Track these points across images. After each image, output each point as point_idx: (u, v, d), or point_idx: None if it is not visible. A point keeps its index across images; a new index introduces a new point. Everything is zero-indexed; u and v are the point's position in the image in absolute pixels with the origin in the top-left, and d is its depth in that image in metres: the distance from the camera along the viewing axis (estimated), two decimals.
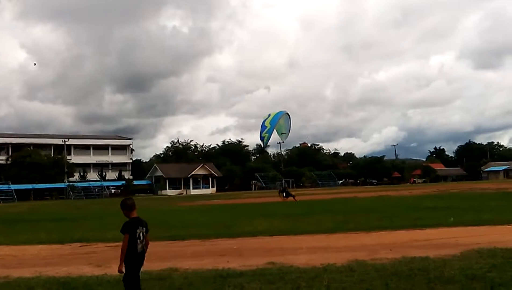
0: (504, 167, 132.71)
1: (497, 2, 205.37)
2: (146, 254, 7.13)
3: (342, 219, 21.34)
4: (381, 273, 9.13)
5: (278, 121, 40.32)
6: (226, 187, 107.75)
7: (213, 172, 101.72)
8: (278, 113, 41.45)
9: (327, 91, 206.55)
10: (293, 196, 41.87)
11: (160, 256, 12.85)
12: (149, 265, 10.78)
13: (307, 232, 16.86)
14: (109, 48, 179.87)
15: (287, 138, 43.46)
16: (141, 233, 7.04)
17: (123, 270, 6.92)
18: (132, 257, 6.94)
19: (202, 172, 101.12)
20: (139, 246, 7.00)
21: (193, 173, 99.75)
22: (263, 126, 40.53)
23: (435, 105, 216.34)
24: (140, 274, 7.19)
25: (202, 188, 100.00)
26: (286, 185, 46.33)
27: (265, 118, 41.27)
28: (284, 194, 41.88)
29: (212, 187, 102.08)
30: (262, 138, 41.11)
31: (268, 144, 45.77)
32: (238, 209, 34.74)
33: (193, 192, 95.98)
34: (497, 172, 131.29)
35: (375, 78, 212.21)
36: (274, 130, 40.45)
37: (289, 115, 42.85)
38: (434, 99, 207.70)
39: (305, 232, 17.07)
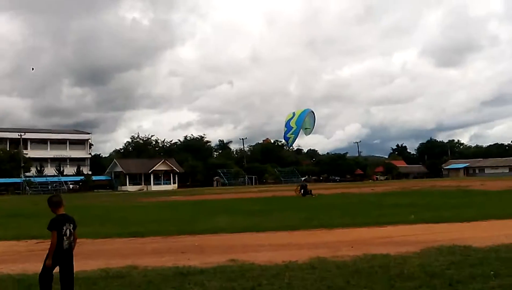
0: (464, 165, 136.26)
1: (459, 0, 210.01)
2: (102, 251, 7.16)
3: (305, 216, 21.58)
4: (342, 270, 9.30)
5: (304, 120, 39.34)
6: (188, 183, 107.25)
7: (174, 168, 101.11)
8: (303, 111, 40.21)
9: (291, 87, 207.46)
10: (311, 193, 41.18)
11: (119, 253, 12.77)
12: (108, 263, 10.76)
13: (270, 229, 16.97)
14: (67, 40, 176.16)
15: (310, 132, 42.03)
16: (68, 230, 7.13)
17: (51, 264, 7.02)
18: (57, 254, 7.02)
19: (163, 167, 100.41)
20: (66, 243, 7.08)
21: (154, 168, 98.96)
22: (288, 126, 39.09)
23: (398, 102, 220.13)
24: (73, 273, 7.30)
25: (163, 184, 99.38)
26: (306, 184, 45.04)
27: (290, 117, 39.55)
28: (302, 191, 41.14)
29: (174, 183, 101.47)
30: (287, 139, 39.94)
31: (293, 145, 44.49)
32: (200, 205, 34.67)
33: (154, 188, 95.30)
34: (458, 169, 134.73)
35: (338, 74, 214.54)
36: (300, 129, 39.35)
37: (313, 112, 41.89)
38: (397, 96, 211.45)
39: (267, 229, 17.16)
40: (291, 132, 38.87)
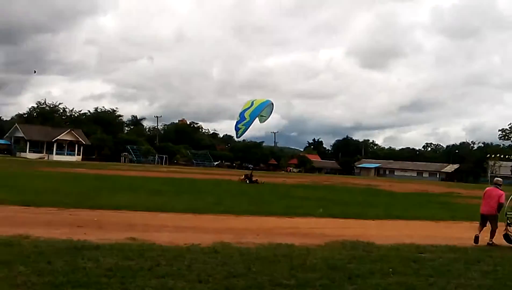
0: (375, 165, 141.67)
1: (389, 6, 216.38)
2: None
3: (213, 200, 21.50)
4: (245, 257, 9.30)
5: (260, 113, 38.34)
6: (94, 157, 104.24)
7: (80, 139, 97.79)
8: (262, 103, 39.01)
9: (214, 70, 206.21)
10: (256, 181, 41.48)
11: (10, 222, 12.23)
12: None
13: (175, 211, 16.79)
14: None
15: (265, 121, 41.01)
16: None
17: None
18: None
19: (68, 138, 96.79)
20: None
21: (58, 137, 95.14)
22: (242, 116, 37.78)
23: (320, 97, 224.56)
24: None
25: (67, 154, 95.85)
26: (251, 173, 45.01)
27: (246, 107, 37.84)
28: (248, 181, 41.07)
29: (78, 154, 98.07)
30: (237, 129, 38.67)
31: (241, 137, 42.75)
32: (104, 180, 33.72)
33: (56, 157, 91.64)
34: (369, 169, 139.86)
35: (263, 63, 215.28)
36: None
37: (273, 104, 40.85)
38: (319, 91, 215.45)
39: (173, 210, 16.99)
40: (243, 122, 37.95)
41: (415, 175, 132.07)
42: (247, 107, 37.75)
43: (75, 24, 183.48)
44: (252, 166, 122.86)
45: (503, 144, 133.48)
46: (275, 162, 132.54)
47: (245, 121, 37.41)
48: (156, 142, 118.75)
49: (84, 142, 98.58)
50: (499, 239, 13.08)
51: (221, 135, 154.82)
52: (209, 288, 6.98)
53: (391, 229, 15.93)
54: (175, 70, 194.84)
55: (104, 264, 8.03)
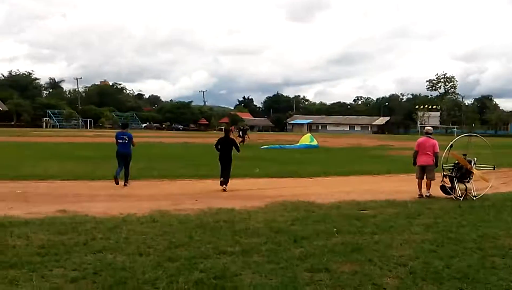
0: (308, 121, 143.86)
1: None
2: None
3: (145, 165, 21.05)
4: (185, 225, 9.17)
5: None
6: (12, 123, 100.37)
7: None
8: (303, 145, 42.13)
9: (133, 27, 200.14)
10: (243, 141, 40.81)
11: None
12: None
13: (106, 178, 16.32)
14: None
15: None
16: None
17: None
18: None
19: None
20: None
21: None
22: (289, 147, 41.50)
23: (247, 53, 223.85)
24: None
25: None
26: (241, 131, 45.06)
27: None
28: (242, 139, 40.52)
29: None
30: (277, 147, 40.81)
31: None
32: (26, 148, 32.51)
33: None
34: (301, 125, 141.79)
35: (185, 18, 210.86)
36: None
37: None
38: (246, 47, 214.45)
39: (103, 178, 16.55)
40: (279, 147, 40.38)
41: (347, 129, 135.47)
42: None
43: None
44: (181, 126, 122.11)
45: (431, 95, 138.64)
46: (206, 122, 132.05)
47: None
48: (78, 106, 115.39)
49: (0, 109, 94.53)
50: (436, 191, 13.57)
51: (146, 96, 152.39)
52: (151, 261, 6.80)
53: (330, 186, 16.16)
54: (90, 27, 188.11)
55: (35, 241, 7.69)
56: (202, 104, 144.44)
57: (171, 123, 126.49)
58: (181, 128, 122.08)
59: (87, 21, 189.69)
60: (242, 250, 7.42)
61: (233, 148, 15.27)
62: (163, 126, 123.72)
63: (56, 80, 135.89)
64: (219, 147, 15.25)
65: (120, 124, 17.75)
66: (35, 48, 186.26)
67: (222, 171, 14.96)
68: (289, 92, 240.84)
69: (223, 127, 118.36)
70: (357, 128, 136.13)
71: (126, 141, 15.63)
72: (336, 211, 10.97)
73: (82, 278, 6.07)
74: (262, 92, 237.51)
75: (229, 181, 14.76)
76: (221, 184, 14.71)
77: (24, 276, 6.10)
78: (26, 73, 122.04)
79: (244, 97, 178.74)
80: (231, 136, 16.46)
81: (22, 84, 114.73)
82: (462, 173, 13.47)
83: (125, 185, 15.05)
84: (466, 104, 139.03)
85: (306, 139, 44.12)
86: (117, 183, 14.85)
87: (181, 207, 11.14)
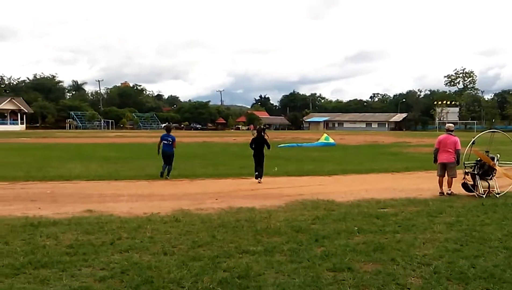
0: (324, 119, 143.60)
1: None
2: None
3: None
4: (207, 224, 9.25)
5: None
6: (38, 125, 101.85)
7: (22, 108, 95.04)
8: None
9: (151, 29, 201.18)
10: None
11: None
12: None
13: (129, 178, 16.58)
14: None
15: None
16: None
17: None
18: None
19: (9, 107, 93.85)
20: None
21: None
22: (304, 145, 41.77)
23: (263, 52, 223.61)
24: None
25: (10, 124, 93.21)
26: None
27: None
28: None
29: (22, 123, 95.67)
30: (294, 145, 41.09)
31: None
32: (52, 149, 33.00)
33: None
34: (318, 123, 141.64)
35: (201, 19, 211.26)
36: None
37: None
38: (262, 46, 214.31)
39: (126, 178, 16.78)
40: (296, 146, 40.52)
41: (364, 126, 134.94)
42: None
43: None
44: (200, 126, 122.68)
45: (449, 90, 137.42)
46: (224, 121, 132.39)
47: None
48: (100, 107, 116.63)
49: (26, 111, 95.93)
50: (457, 189, 13.51)
51: (166, 97, 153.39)
52: (175, 260, 6.89)
53: (349, 184, 16.16)
54: (112, 31, 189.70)
55: (64, 241, 7.83)
56: (220, 103, 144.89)
57: (190, 123, 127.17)
58: (199, 128, 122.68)
59: (108, 25, 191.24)
60: (264, 250, 7.47)
61: (265, 146, 16.82)
62: (182, 126, 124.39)
63: (79, 83, 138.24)
64: (253, 145, 16.79)
65: (165, 128, 19.73)
66: (59, 52, 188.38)
67: (256, 167, 16.54)
68: (305, 90, 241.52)
69: (241, 126, 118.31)
70: (374, 125, 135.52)
71: (170, 143, 17.61)
72: (356, 209, 10.95)
73: (110, 277, 6.17)
74: (279, 91, 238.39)
75: (247, 180, 14.92)
76: (256, 177, 16.26)
77: (55, 275, 6.21)
78: (50, 76, 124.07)
79: (260, 96, 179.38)
80: (253, 135, 17.29)
81: (46, 87, 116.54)
82: (485, 170, 13.34)
83: (166, 178, 16.78)
84: (486, 99, 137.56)
85: (323, 138, 44.36)
86: (162, 176, 16.88)
87: (202, 206, 11.23)
